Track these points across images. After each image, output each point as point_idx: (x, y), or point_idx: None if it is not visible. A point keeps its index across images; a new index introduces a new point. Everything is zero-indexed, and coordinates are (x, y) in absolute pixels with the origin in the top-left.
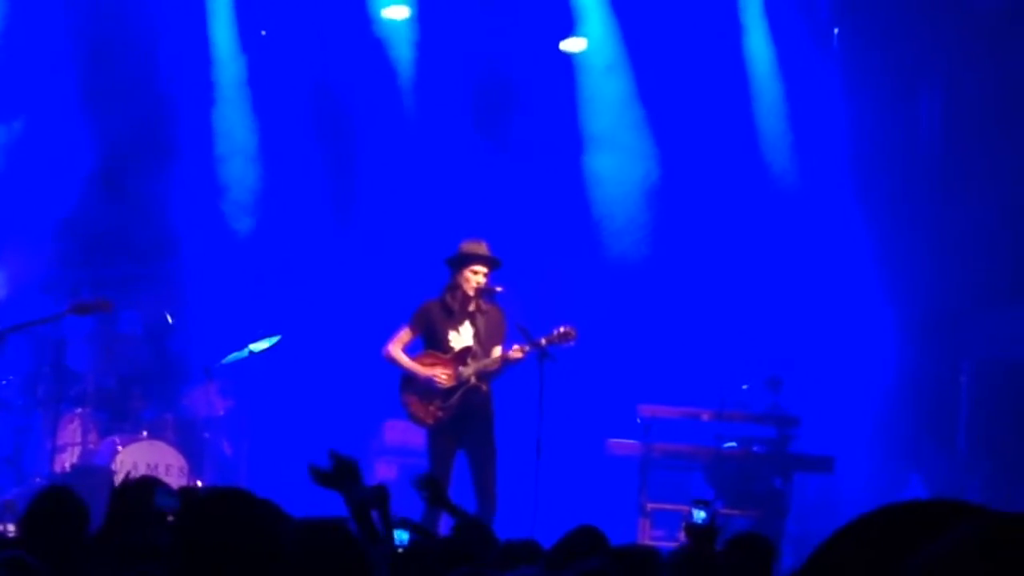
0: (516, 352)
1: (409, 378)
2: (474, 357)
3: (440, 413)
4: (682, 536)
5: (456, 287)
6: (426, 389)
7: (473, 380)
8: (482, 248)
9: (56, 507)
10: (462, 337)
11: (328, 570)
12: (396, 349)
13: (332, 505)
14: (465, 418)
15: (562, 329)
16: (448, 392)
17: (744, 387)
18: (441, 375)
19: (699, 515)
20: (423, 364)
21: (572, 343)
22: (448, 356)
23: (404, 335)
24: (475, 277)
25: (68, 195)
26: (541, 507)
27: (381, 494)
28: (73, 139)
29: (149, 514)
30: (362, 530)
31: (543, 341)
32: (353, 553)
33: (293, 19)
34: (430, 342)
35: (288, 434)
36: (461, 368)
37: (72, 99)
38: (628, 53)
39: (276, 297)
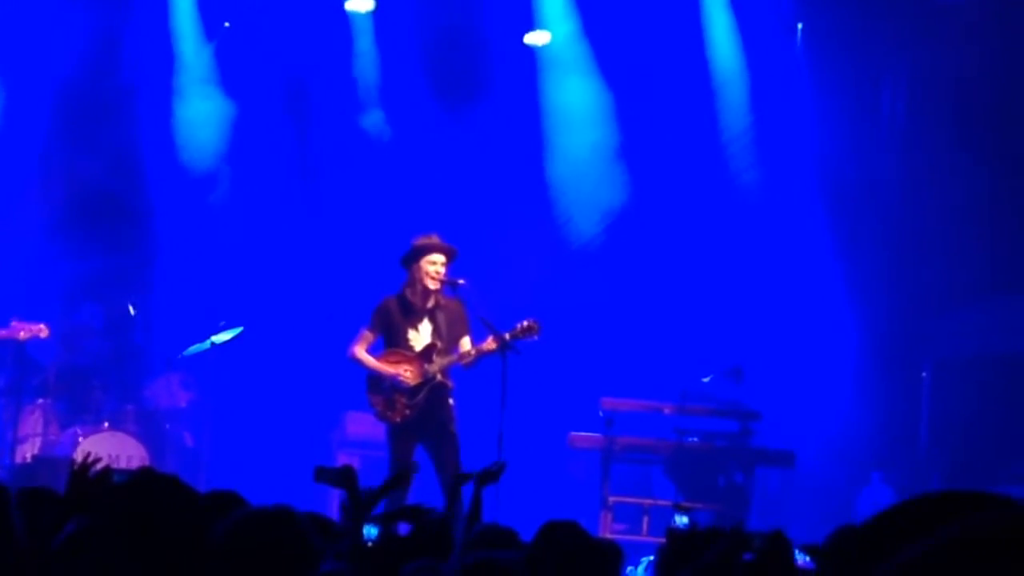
0: (490, 344)
1: (375, 377)
2: (439, 354)
3: (407, 411)
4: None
5: (415, 283)
6: (392, 387)
7: (438, 377)
8: (434, 239)
9: None
10: (421, 335)
11: (270, 559)
12: (360, 350)
13: (293, 496)
14: (429, 414)
15: (526, 323)
16: (414, 390)
17: (705, 379)
18: (406, 373)
19: (681, 520)
20: (388, 362)
21: (536, 337)
22: (412, 354)
23: (366, 336)
24: (433, 268)
25: (29, 187)
26: (503, 500)
27: (348, 474)
28: (34, 126)
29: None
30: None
31: (507, 336)
32: (296, 542)
33: (256, 11)
34: (390, 340)
35: (250, 426)
36: (427, 365)
37: (36, 89)
38: (592, 47)
39: (238, 289)
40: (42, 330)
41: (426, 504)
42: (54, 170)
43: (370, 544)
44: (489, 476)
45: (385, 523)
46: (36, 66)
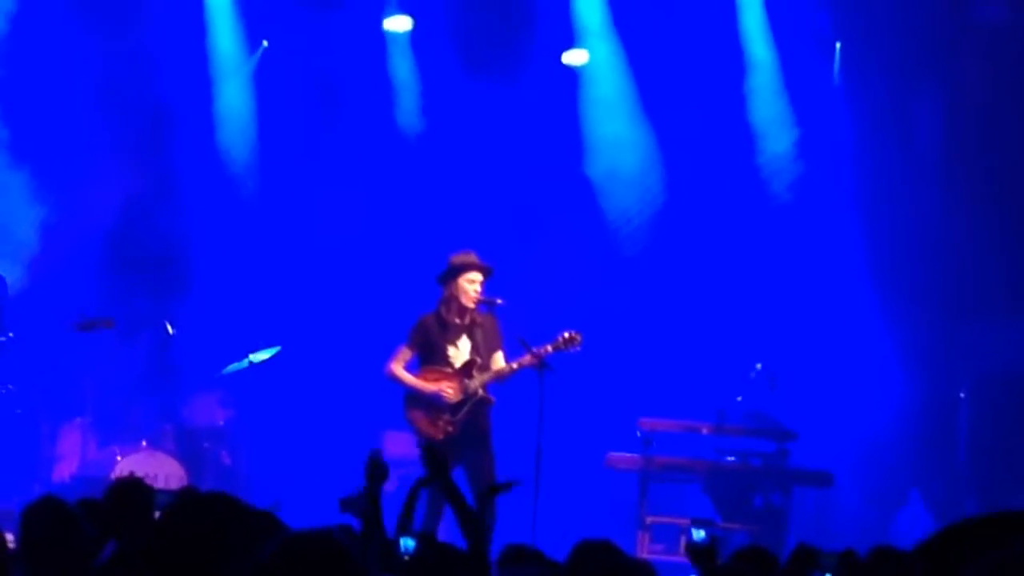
0: (528, 358)
1: (414, 395)
2: (479, 370)
3: (450, 428)
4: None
5: (451, 300)
6: (432, 405)
7: (480, 392)
8: (472, 257)
9: (51, 518)
10: (461, 352)
11: None
12: (398, 368)
13: (331, 515)
14: (470, 431)
15: (567, 334)
16: (456, 407)
17: (739, 399)
18: (447, 390)
19: (699, 534)
20: (427, 380)
21: (578, 348)
22: (451, 370)
23: (404, 353)
24: (471, 287)
25: (67, 204)
26: (540, 519)
27: (371, 506)
28: (74, 142)
29: (149, 518)
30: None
31: (548, 348)
32: (344, 565)
33: (296, 31)
34: (429, 358)
35: (288, 445)
36: (467, 382)
37: (75, 109)
38: (631, 66)
39: (277, 308)
40: (110, 322)
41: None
42: (92, 189)
43: (406, 558)
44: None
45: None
46: (73, 86)
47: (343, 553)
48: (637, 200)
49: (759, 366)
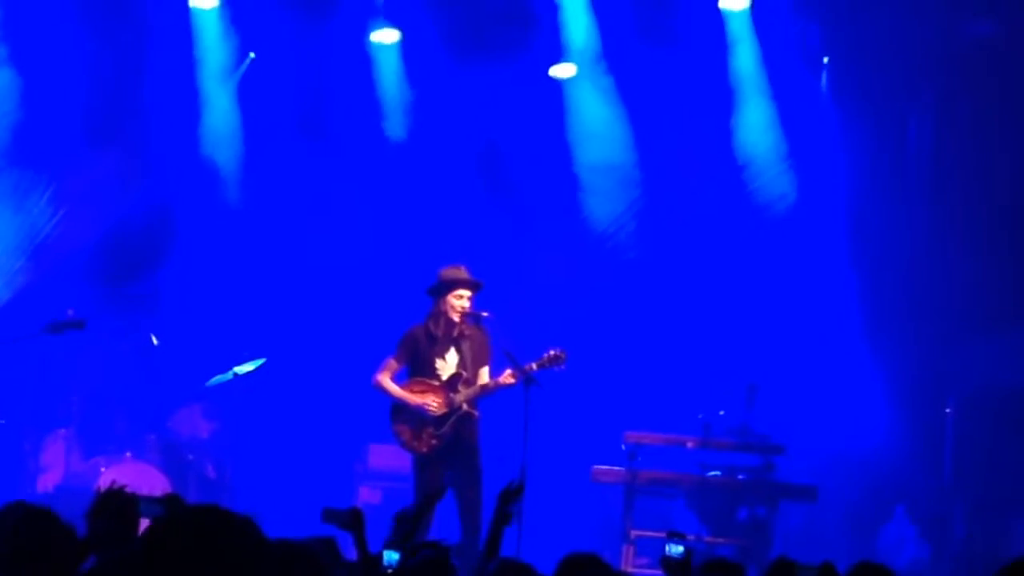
0: (508, 378)
1: (399, 407)
2: (465, 383)
3: (434, 441)
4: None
5: (440, 314)
6: (417, 417)
7: (465, 407)
8: (462, 272)
9: (41, 529)
10: (448, 364)
11: None
12: (385, 379)
13: (315, 528)
14: (455, 445)
15: (552, 352)
16: (440, 420)
17: (721, 412)
18: (432, 403)
19: (675, 549)
20: (413, 392)
21: (562, 366)
22: (438, 383)
23: (391, 364)
24: (459, 302)
25: (56, 216)
26: (526, 533)
27: (355, 517)
28: (57, 153)
29: (134, 530)
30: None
31: (533, 366)
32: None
33: (283, 43)
34: (416, 369)
35: (272, 457)
36: (452, 395)
37: (66, 120)
38: (617, 81)
39: (262, 320)
40: (81, 323)
41: (445, 541)
42: (77, 199)
43: (390, 571)
44: (510, 499)
45: (402, 549)
46: (60, 96)
47: (331, 563)
48: (623, 213)
49: (739, 380)
